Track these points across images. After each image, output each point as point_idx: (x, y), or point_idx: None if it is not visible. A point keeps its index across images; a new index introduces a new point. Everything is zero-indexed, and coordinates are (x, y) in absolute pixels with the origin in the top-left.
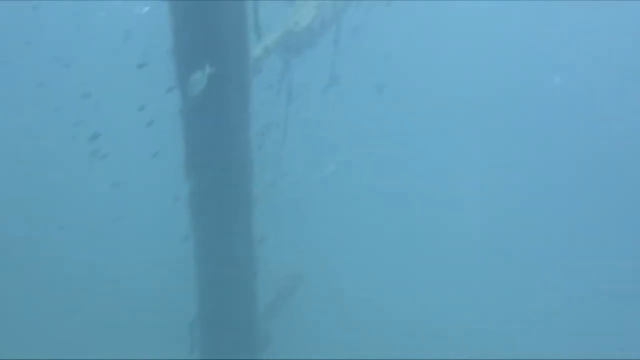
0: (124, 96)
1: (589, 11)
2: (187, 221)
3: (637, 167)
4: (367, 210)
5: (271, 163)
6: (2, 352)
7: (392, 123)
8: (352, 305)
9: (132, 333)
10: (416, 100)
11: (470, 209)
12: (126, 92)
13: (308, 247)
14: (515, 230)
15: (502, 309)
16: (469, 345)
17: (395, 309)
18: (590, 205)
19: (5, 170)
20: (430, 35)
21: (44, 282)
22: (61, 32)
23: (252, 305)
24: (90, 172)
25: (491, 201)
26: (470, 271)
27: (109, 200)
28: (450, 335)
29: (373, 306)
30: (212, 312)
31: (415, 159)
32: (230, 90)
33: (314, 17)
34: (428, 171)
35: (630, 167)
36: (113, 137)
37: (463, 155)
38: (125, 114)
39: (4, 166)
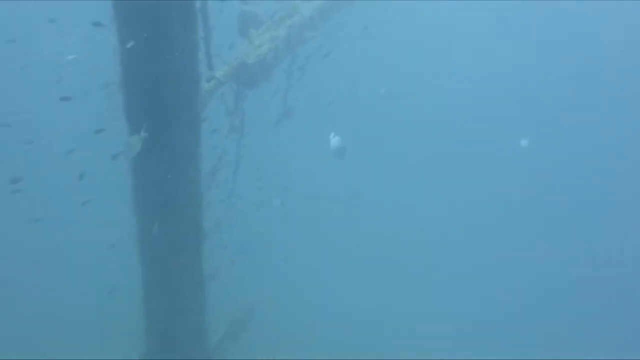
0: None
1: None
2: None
3: None
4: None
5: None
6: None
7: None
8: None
9: None
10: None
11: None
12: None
13: (258, 281)
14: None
15: None
16: None
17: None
18: None
19: None
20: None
21: None
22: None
23: (202, 342)
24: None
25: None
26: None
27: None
28: None
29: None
30: (161, 349)
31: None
32: (181, 127)
33: (268, 49)
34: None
35: None
36: None
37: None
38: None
39: None
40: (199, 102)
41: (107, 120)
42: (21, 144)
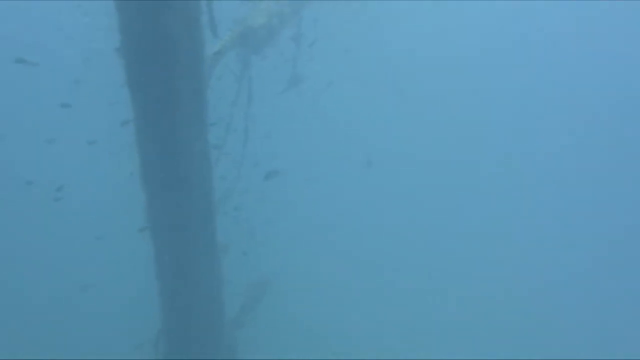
0: None
1: None
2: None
3: None
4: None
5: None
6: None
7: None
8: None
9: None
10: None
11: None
12: None
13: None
14: None
15: None
16: None
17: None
18: None
19: None
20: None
21: None
22: None
23: (217, 317)
24: None
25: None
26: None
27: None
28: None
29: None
30: (177, 325)
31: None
32: (185, 93)
33: (272, 13)
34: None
35: None
36: None
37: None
38: None
39: None
40: (203, 70)
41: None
42: None
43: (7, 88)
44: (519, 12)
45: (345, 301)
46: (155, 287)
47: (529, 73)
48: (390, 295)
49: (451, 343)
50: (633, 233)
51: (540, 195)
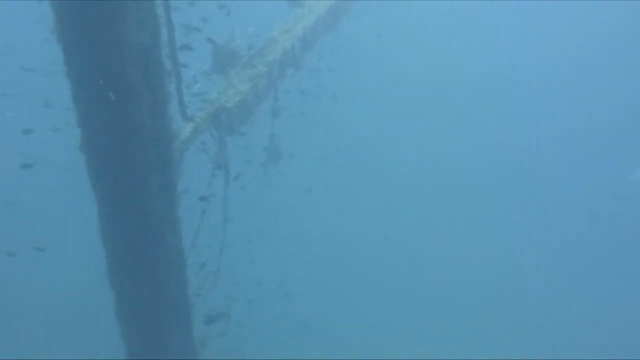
0: None
1: None
2: None
3: None
4: None
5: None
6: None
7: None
8: None
9: None
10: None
11: None
12: None
13: None
14: None
15: None
16: None
17: None
18: None
19: None
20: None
21: None
22: None
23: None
24: None
25: None
26: None
27: None
28: None
29: None
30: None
31: None
32: (154, 188)
33: (247, 89)
34: None
35: None
36: None
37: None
38: None
39: None
40: (172, 161)
41: None
42: None
43: None
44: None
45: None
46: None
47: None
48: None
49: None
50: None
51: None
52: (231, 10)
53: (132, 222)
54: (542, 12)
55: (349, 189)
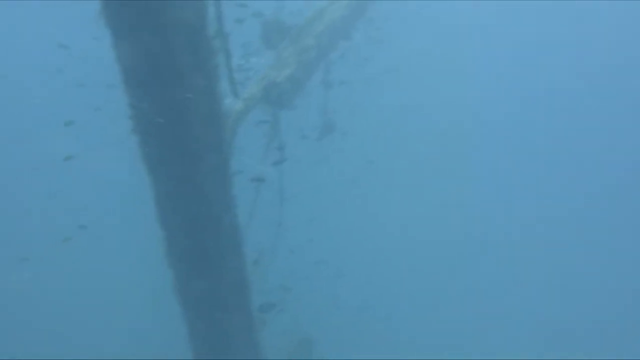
0: None
1: None
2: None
3: None
4: None
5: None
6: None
7: None
8: None
9: None
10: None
11: None
12: None
13: None
14: None
15: None
16: None
17: None
18: None
19: None
20: None
21: None
22: None
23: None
24: None
25: None
26: None
27: None
28: None
29: None
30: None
31: None
32: (208, 166)
33: (297, 63)
34: None
35: None
36: None
37: None
38: None
39: None
40: (225, 140)
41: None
42: None
43: None
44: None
45: None
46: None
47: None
48: None
49: None
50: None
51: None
52: None
53: (187, 202)
54: None
55: (411, 163)
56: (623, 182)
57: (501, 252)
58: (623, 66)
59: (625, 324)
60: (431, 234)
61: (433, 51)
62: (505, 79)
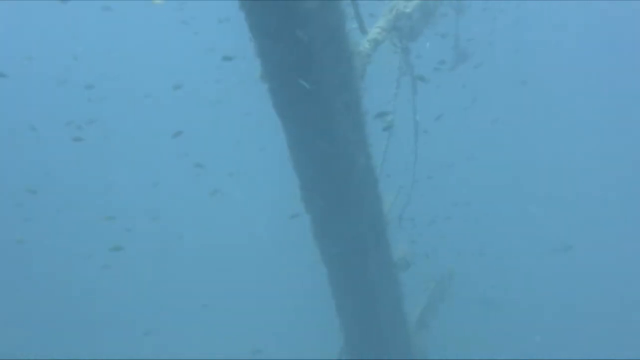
0: None
1: None
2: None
3: None
4: None
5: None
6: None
7: None
8: None
9: None
10: None
11: None
12: None
13: None
14: None
15: None
16: None
17: None
18: None
19: None
20: None
21: None
22: None
23: (401, 326)
24: None
25: None
26: None
27: None
28: None
29: None
30: (360, 342)
31: None
32: (338, 106)
33: None
34: None
35: None
36: None
37: None
38: None
39: None
40: (356, 78)
41: None
42: None
43: None
44: None
45: None
46: (333, 307)
47: None
48: None
49: None
50: None
51: None
52: None
53: (320, 144)
54: None
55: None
56: None
57: None
58: None
59: None
60: None
61: None
62: None
